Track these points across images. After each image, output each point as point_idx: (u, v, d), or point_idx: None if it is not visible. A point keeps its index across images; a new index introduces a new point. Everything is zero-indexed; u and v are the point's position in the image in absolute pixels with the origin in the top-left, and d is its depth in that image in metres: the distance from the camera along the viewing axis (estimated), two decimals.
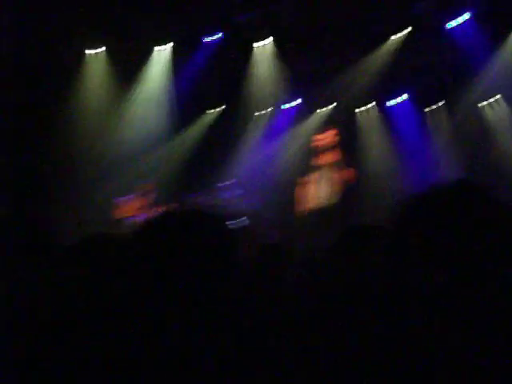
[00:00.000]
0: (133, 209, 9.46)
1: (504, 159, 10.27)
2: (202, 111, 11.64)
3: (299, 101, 11.55)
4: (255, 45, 10.71)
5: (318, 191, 6.99)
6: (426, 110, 11.36)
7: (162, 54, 10.75)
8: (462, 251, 0.95)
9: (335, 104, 11.40)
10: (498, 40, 10.01)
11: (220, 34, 10.34)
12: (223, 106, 11.72)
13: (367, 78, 10.73)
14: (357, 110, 11.36)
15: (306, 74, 10.78)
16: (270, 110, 11.71)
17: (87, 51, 10.28)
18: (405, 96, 11.33)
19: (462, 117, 10.64)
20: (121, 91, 10.74)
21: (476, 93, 10.51)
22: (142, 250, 1.21)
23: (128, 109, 10.88)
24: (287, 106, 11.61)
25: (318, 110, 11.51)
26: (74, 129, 10.12)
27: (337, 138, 7.18)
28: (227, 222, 4.66)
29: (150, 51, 10.53)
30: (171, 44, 10.64)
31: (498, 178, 9.72)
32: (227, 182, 10.16)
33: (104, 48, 10.33)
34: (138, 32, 9.48)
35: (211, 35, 10.38)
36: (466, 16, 9.65)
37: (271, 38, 10.63)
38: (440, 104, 11.25)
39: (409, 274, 1.00)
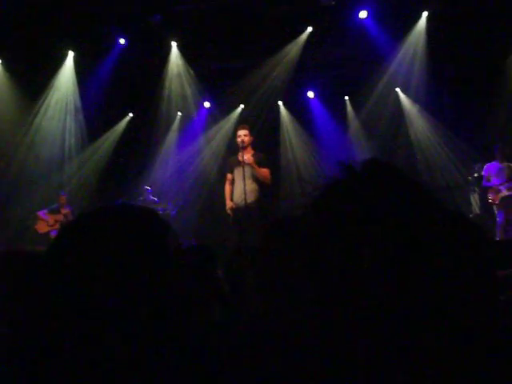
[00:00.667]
0: (49, 223, 9.32)
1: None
2: (112, 120, 11.43)
3: (208, 104, 11.54)
4: (161, 48, 10.56)
5: (240, 188, 6.97)
6: (346, 98, 11.61)
7: (65, 63, 10.45)
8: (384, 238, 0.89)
9: (243, 106, 11.48)
10: (401, 33, 10.39)
11: (123, 41, 10.11)
12: (130, 114, 11.55)
13: (274, 77, 10.87)
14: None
15: (212, 77, 10.80)
16: (179, 115, 11.65)
17: None
18: (311, 93, 11.55)
19: (373, 103, 10.98)
20: (25, 104, 10.38)
21: (382, 84, 10.88)
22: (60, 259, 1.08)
23: (36, 122, 10.55)
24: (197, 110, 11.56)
25: (230, 114, 11.56)
26: None
27: (248, 138, 7.18)
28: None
29: (50, 61, 10.15)
30: (71, 53, 10.33)
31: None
32: (143, 189, 10.07)
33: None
34: (36, 41, 9.09)
35: (113, 42, 10.13)
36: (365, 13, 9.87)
37: (175, 44, 10.55)
38: (347, 97, 11.58)
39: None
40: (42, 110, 10.62)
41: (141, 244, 1.07)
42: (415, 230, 0.87)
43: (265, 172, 7.06)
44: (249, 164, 6.96)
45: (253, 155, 7.09)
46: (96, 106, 10.64)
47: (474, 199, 9.47)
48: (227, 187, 7.34)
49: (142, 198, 9.90)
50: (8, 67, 10.10)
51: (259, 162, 7.03)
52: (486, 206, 9.24)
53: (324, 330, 0.89)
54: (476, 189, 9.48)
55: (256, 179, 7.07)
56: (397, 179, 0.96)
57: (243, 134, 7.15)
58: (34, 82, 10.19)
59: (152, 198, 9.91)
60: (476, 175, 9.38)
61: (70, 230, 1.12)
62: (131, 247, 1.06)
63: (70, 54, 10.39)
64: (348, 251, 0.88)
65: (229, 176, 7.34)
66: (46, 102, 10.64)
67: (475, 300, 0.92)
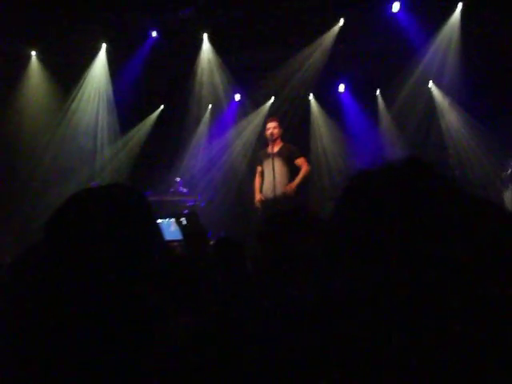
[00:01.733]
0: None
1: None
2: (144, 112, 11.53)
3: (239, 96, 11.54)
4: (192, 40, 10.60)
5: (269, 181, 6.98)
6: (377, 92, 11.51)
7: (98, 55, 10.57)
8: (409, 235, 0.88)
9: (273, 98, 11.45)
10: (433, 27, 10.24)
11: (155, 33, 10.19)
12: (161, 106, 11.63)
13: (306, 69, 10.83)
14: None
15: (243, 69, 10.81)
16: (210, 107, 11.69)
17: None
18: (342, 86, 11.47)
19: (403, 100, 10.85)
20: (58, 96, 10.55)
21: (414, 77, 10.75)
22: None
23: (69, 115, 10.71)
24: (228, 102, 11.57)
25: (260, 106, 11.54)
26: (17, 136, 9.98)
27: (278, 130, 7.17)
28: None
29: (83, 53, 10.27)
30: (104, 45, 10.45)
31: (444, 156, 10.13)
32: (174, 180, 10.14)
33: (34, 52, 10.13)
34: (69, 33, 9.21)
35: (145, 35, 10.21)
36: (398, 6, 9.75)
37: (206, 35, 10.58)
38: (378, 90, 11.47)
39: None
40: (76, 102, 10.77)
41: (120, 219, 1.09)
42: (447, 232, 0.87)
43: (301, 161, 7.06)
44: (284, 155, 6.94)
45: (282, 148, 7.09)
46: (128, 98, 10.74)
47: (507, 197, 9.30)
48: (257, 180, 7.36)
49: (172, 190, 9.97)
50: (42, 59, 10.27)
51: (291, 154, 7.03)
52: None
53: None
54: (509, 185, 9.31)
55: (286, 172, 7.07)
56: (434, 179, 0.95)
57: (272, 127, 7.17)
58: (67, 74, 10.34)
59: (182, 189, 9.98)
60: (510, 171, 9.20)
61: (60, 212, 1.14)
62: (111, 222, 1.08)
63: (103, 47, 10.50)
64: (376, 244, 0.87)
65: (259, 168, 7.36)
66: (80, 94, 10.78)
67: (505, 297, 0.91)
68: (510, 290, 0.88)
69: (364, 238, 0.89)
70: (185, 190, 9.99)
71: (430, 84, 11.07)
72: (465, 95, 10.26)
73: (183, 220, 1.76)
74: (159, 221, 4.16)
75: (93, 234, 1.10)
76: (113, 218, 1.12)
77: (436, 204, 0.91)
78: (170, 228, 4.06)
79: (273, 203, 6.90)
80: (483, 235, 0.91)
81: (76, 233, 1.11)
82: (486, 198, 1.05)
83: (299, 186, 6.96)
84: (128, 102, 10.77)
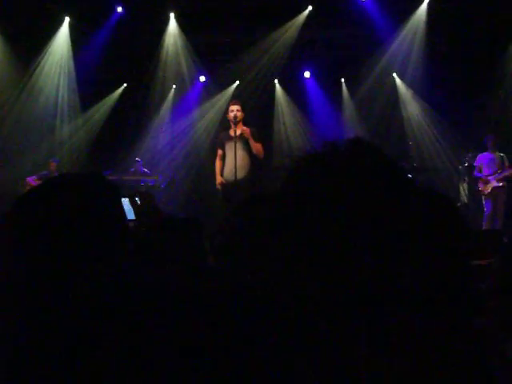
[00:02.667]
0: None
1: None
2: (106, 89, 11.32)
3: (203, 78, 11.45)
4: (159, 19, 10.45)
5: (231, 164, 6.95)
6: (342, 80, 11.56)
7: (61, 28, 10.32)
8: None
9: (238, 82, 11.40)
10: (401, 18, 10.34)
11: (120, 9, 9.99)
12: (124, 84, 11.45)
13: (272, 54, 10.81)
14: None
15: (209, 50, 10.72)
16: (174, 87, 11.57)
17: None
18: (307, 73, 11.49)
19: (369, 86, 10.95)
20: (18, 68, 10.27)
21: (379, 67, 10.85)
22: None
23: (29, 87, 10.44)
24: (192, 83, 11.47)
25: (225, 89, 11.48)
26: None
27: (241, 113, 7.14)
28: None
29: (46, 25, 10.00)
30: (67, 19, 10.20)
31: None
32: (134, 160, 10.04)
33: None
34: (32, 4, 8.96)
35: (111, 9, 10.01)
36: None
37: (173, 14, 10.44)
38: (343, 78, 11.54)
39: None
40: (36, 74, 10.50)
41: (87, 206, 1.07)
42: (388, 213, 0.87)
43: (259, 146, 7.05)
44: (245, 136, 6.91)
45: (243, 131, 7.06)
46: (90, 74, 10.52)
47: (463, 188, 9.51)
48: (217, 162, 7.32)
49: (133, 169, 9.87)
50: (3, 30, 9.96)
51: (252, 137, 7.01)
52: (474, 195, 9.29)
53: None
54: (466, 178, 9.51)
55: (248, 155, 7.04)
56: (377, 160, 0.95)
57: (236, 109, 7.12)
58: (28, 45, 10.07)
59: (143, 169, 9.88)
60: (466, 164, 9.40)
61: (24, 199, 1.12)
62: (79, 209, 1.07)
63: (66, 20, 10.25)
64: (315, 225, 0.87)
65: (219, 151, 7.32)
66: (40, 66, 10.52)
67: (449, 284, 0.92)
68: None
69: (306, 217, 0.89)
70: (146, 170, 9.90)
71: (394, 75, 11.18)
72: (427, 88, 10.42)
73: (137, 199, 1.73)
74: None
75: (58, 224, 1.08)
76: (82, 209, 1.10)
77: (375, 186, 0.91)
78: None
79: (234, 187, 6.89)
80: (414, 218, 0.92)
81: (42, 220, 1.08)
82: (440, 189, 1.07)
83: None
84: (90, 78, 10.56)
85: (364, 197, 0.87)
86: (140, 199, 1.73)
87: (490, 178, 8.74)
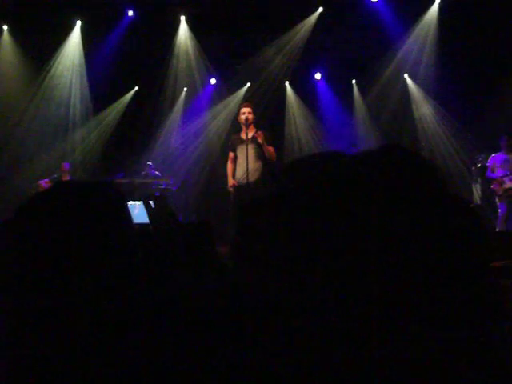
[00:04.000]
0: None
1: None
2: (118, 92, 11.37)
3: (214, 81, 11.46)
4: (169, 22, 10.48)
5: (243, 167, 6.94)
6: (353, 82, 11.54)
7: (73, 32, 10.37)
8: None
9: (249, 84, 11.40)
10: (412, 19, 10.30)
11: (131, 13, 10.03)
12: (136, 87, 11.48)
13: (283, 56, 10.81)
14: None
15: (220, 53, 10.73)
16: (185, 90, 11.59)
17: None
18: (318, 75, 11.46)
19: (380, 88, 10.91)
20: (30, 72, 10.35)
21: (390, 68, 10.81)
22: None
23: (41, 91, 10.51)
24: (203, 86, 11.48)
25: (236, 91, 11.48)
26: None
27: (252, 116, 7.13)
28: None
29: (57, 29, 10.06)
30: (79, 23, 10.25)
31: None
32: (146, 164, 10.06)
33: (6, 27, 9.91)
34: (43, 8, 9.01)
35: (122, 13, 10.05)
36: None
37: (183, 17, 10.47)
38: (354, 80, 11.50)
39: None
40: (48, 79, 10.57)
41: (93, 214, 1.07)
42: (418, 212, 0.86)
43: (271, 150, 7.04)
44: (258, 140, 6.90)
45: (256, 133, 7.05)
46: (102, 78, 10.57)
47: (476, 190, 9.44)
48: (229, 165, 7.32)
49: (144, 173, 9.88)
50: (14, 34, 10.04)
51: (265, 141, 7.00)
52: (487, 196, 9.22)
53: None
54: (479, 179, 9.44)
55: (259, 158, 7.04)
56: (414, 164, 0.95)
57: (247, 112, 7.11)
58: (40, 50, 10.14)
59: (155, 172, 9.89)
60: (479, 165, 9.33)
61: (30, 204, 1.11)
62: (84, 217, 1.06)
63: (78, 24, 10.31)
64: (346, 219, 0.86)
65: (231, 154, 7.32)
66: (52, 71, 10.59)
67: (466, 283, 0.90)
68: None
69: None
70: (157, 173, 9.92)
71: (406, 76, 11.14)
72: (439, 88, 10.36)
73: (151, 203, 1.72)
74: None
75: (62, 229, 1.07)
76: (84, 217, 1.09)
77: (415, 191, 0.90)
78: (134, 211, 4.02)
79: (246, 189, 6.88)
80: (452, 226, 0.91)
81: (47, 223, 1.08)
82: (455, 191, 1.05)
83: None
84: (102, 82, 10.60)
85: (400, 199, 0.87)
86: (154, 203, 1.71)
87: (504, 179, 8.67)
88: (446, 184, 0.96)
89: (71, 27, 10.32)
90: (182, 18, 10.49)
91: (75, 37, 10.44)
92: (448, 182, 1.00)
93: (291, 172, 0.97)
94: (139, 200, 4.20)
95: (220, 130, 11.29)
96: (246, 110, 7.16)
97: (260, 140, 6.91)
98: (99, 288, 1.04)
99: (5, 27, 9.99)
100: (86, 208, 1.10)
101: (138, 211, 3.84)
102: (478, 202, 9.32)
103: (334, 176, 0.93)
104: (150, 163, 10.01)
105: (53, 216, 1.08)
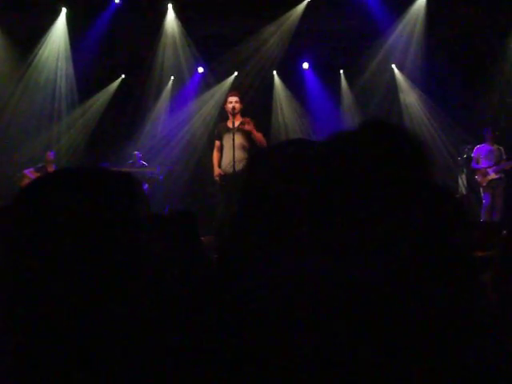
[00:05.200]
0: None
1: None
2: (103, 81, 11.26)
3: (202, 69, 11.39)
4: (156, 10, 10.38)
5: (229, 156, 6.92)
6: (341, 72, 11.52)
7: (58, 19, 10.25)
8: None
9: (237, 73, 11.35)
10: (400, 9, 10.30)
11: (117, 0, 9.92)
12: (122, 76, 11.39)
13: (270, 45, 10.77)
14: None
15: (207, 42, 10.67)
16: (172, 79, 11.52)
17: None
18: (306, 64, 11.44)
19: (367, 78, 10.92)
20: (15, 59, 10.23)
21: (377, 59, 10.81)
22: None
23: (26, 79, 10.39)
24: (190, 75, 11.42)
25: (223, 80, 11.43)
26: None
27: (239, 105, 7.11)
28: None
29: (42, 16, 9.93)
30: (64, 10, 10.13)
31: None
32: (133, 153, 10.02)
33: None
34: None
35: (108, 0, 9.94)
36: None
37: (170, 5, 10.39)
38: (342, 70, 11.49)
39: None
40: (33, 66, 10.44)
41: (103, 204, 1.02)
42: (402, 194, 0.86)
43: (261, 136, 7.03)
44: (248, 128, 6.87)
45: (242, 122, 7.03)
46: (88, 66, 10.48)
47: (462, 180, 9.50)
48: (215, 154, 7.30)
49: (131, 161, 9.85)
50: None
51: (253, 127, 6.98)
52: (472, 187, 9.28)
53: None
54: (464, 170, 9.50)
55: (246, 146, 7.02)
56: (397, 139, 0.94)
57: (234, 101, 7.09)
58: (25, 37, 10.01)
59: (141, 162, 9.86)
60: (465, 156, 9.39)
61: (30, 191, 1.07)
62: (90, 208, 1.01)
63: (63, 11, 10.18)
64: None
65: (217, 143, 7.29)
66: (37, 58, 10.46)
67: (449, 274, 0.90)
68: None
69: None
70: (144, 163, 9.89)
71: (393, 66, 11.14)
72: (426, 79, 10.38)
73: None
74: None
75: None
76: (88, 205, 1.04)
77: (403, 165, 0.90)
78: None
79: (232, 179, 6.86)
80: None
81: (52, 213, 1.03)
82: (439, 181, 1.05)
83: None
84: (87, 70, 10.51)
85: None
86: None
87: (489, 170, 8.74)
88: (432, 162, 0.96)
89: (57, 14, 10.18)
90: (170, 5, 10.40)
91: (60, 24, 10.30)
92: (433, 162, 1.00)
93: (259, 160, 0.96)
94: None
95: (207, 119, 11.25)
96: (233, 98, 7.14)
97: (249, 127, 6.88)
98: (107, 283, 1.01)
99: None
100: (88, 195, 1.05)
101: None
102: (464, 192, 9.38)
103: (300, 160, 0.92)
104: (136, 152, 9.97)
105: (53, 205, 1.04)
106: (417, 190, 0.91)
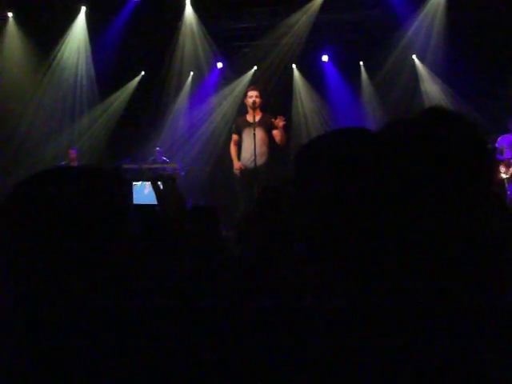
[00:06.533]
0: None
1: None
2: (124, 78, 11.33)
3: (221, 64, 11.39)
4: (175, 6, 10.40)
5: (249, 150, 6.90)
6: (361, 64, 11.43)
7: (78, 18, 10.33)
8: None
9: (256, 68, 11.32)
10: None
11: None
12: (142, 73, 11.44)
13: (289, 39, 10.72)
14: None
15: (226, 37, 10.66)
16: (191, 74, 11.53)
17: None
18: (326, 57, 11.36)
19: (388, 69, 10.82)
20: (36, 59, 10.33)
21: (398, 50, 10.70)
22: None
23: (47, 78, 10.49)
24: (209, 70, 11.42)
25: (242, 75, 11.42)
26: None
27: (259, 100, 7.08)
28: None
29: (62, 16, 10.02)
30: (84, 8, 10.20)
31: None
32: (154, 150, 10.07)
33: (11, 14, 9.89)
34: None
35: None
36: None
37: (189, 1, 10.40)
38: (362, 62, 11.40)
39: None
40: (54, 65, 10.54)
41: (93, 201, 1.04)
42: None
43: (284, 135, 7.00)
44: (272, 124, 6.85)
45: (262, 117, 7.02)
46: (108, 63, 10.54)
47: None
48: (232, 147, 7.27)
49: (152, 158, 9.90)
50: (19, 22, 10.01)
51: (271, 125, 6.95)
52: (496, 178, 9.15)
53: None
54: None
55: (266, 141, 6.99)
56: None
57: (255, 96, 7.07)
58: (45, 36, 10.10)
59: (163, 158, 9.91)
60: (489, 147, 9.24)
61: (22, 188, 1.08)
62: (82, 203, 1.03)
63: (83, 9, 10.26)
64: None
65: (234, 137, 7.27)
66: (58, 57, 10.56)
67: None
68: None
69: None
70: (165, 159, 9.93)
71: (414, 57, 11.02)
72: (447, 69, 10.25)
73: (160, 184, 1.70)
74: (134, 183, 4.08)
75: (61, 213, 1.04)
76: (77, 202, 1.06)
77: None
78: (143, 191, 3.99)
79: (253, 173, 6.85)
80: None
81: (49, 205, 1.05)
82: None
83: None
84: (108, 67, 10.58)
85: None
86: (163, 184, 1.69)
87: None
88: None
89: (76, 13, 10.26)
90: (187, 0, 10.41)
91: (80, 23, 10.39)
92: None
93: (310, 152, 0.95)
94: (144, 181, 4.17)
95: (227, 114, 11.25)
96: (253, 93, 7.12)
97: (278, 126, 6.82)
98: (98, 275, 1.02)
99: (9, 15, 9.96)
100: (77, 193, 1.07)
101: (147, 191, 3.82)
102: None
103: (353, 154, 0.91)
104: (158, 148, 10.02)
105: (44, 201, 1.05)
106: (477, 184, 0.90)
